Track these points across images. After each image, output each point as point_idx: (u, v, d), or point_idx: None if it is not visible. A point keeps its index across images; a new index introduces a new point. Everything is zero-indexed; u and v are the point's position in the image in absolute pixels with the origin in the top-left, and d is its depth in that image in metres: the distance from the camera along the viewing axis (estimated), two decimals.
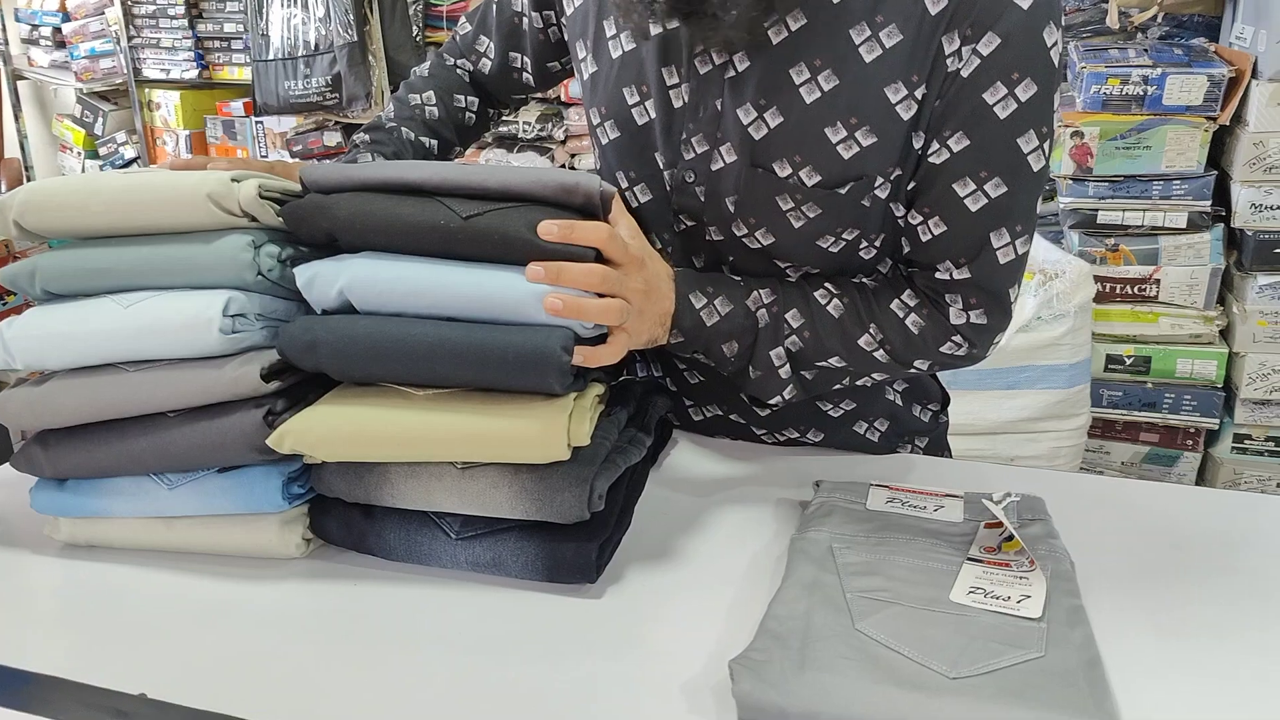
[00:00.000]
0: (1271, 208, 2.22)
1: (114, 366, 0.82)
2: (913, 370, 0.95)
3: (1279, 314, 2.28)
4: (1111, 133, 2.27)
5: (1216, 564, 0.82)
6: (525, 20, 1.10)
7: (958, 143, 0.85)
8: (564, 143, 3.05)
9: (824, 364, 0.93)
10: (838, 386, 0.97)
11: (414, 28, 3.09)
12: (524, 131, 3.01)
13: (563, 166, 3.00)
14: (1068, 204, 2.35)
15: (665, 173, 0.95)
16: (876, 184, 0.89)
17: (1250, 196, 2.22)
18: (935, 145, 0.86)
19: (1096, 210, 2.34)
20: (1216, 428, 2.43)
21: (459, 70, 1.17)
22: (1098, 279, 2.32)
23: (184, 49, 3.44)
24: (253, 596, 0.80)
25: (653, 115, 0.94)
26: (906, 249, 0.93)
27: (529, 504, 0.78)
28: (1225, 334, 2.40)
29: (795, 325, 0.92)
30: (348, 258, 0.80)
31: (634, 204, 0.99)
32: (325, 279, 0.79)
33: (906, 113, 0.85)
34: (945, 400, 1.14)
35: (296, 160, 2.98)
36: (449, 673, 0.70)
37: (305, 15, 3.06)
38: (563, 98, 3.00)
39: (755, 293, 0.92)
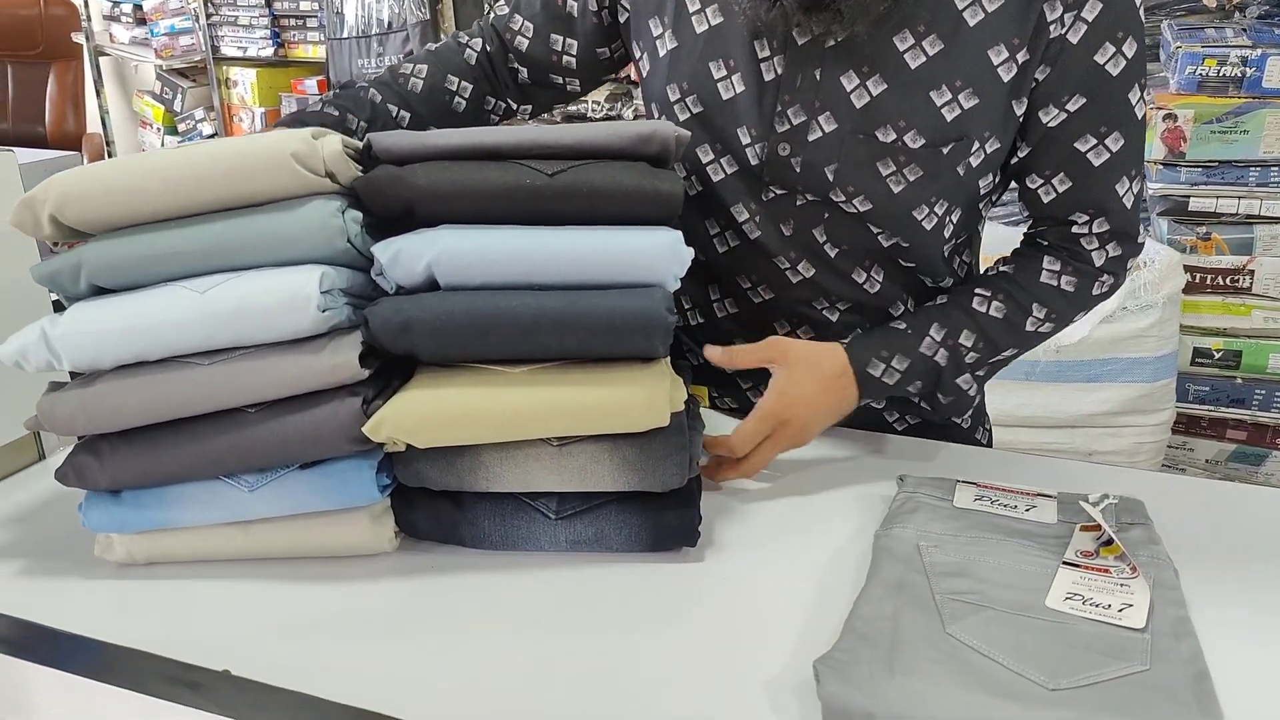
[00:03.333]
0: None
1: (178, 360, 0.74)
2: (1071, 325, 1.00)
3: None
4: (1207, 115, 2.16)
5: None
6: (573, 5, 1.07)
7: (1075, 103, 0.90)
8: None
9: (999, 359, 0.99)
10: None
11: (485, 5, 3.08)
12: (593, 111, 2.99)
13: None
14: (1158, 189, 2.25)
15: (754, 146, 0.95)
16: (973, 149, 0.91)
17: None
18: (1053, 111, 0.90)
19: (1188, 197, 2.24)
20: None
21: (469, 51, 1.11)
22: (1187, 269, 2.22)
23: (260, 27, 3.48)
24: (343, 594, 0.76)
25: (739, 89, 0.94)
26: (1028, 212, 0.98)
27: (631, 475, 0.77)
28: None
29: (969, 344, 0.95)
30: (429, 231, 0.78)
31: (718, 177, 0.98)
32: (410, 254, 0.76)
33: (1007, 74, 0.88)
34: None
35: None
36: (532, 657, 0.69)
37: None
38: (633, 76, 2.97)
39: (926, 337, 0.95)
